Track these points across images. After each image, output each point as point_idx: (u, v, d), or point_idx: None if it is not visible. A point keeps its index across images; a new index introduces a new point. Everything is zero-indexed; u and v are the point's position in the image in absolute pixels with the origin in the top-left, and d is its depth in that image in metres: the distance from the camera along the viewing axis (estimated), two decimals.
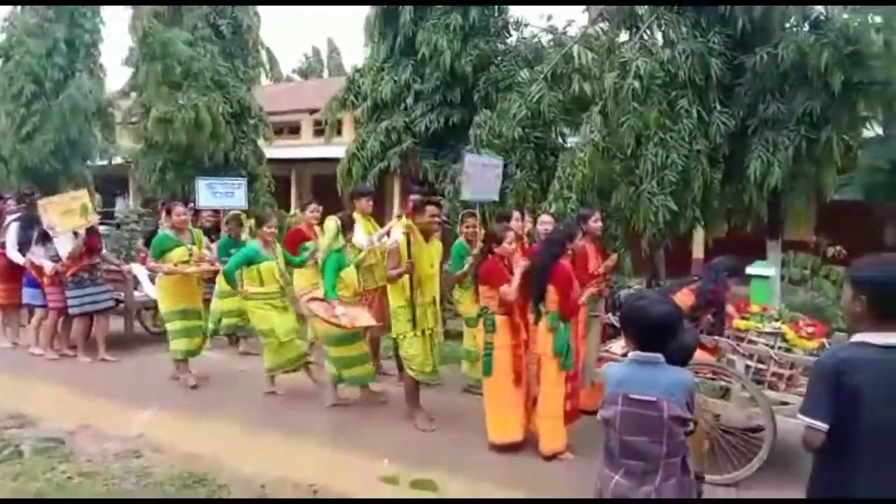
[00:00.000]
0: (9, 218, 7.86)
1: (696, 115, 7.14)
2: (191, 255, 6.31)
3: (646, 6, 7.82)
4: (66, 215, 6.82)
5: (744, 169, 7.22)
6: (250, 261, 5.68)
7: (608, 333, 5.05)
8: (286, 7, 37.42)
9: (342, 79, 13.87)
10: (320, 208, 6.82)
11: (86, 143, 17.36)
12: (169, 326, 6.24)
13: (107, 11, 17.20)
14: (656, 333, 2.27)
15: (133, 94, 15.03)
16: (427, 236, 4.96)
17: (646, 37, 7.78)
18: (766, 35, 7.14)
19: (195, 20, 13.43)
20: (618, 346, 4.79)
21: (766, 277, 6.98)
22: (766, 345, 4.32)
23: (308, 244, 6.51)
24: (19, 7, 17.00)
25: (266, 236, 5.83)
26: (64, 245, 6.84)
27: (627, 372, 2.33)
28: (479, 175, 5.96)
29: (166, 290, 6.29)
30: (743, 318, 4.57)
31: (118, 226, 12.36)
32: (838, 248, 8.73)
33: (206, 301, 7.09)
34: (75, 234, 6.86)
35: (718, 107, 7.20)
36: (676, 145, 7.06)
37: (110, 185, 20.59)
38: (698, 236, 11.26)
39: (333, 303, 5.15)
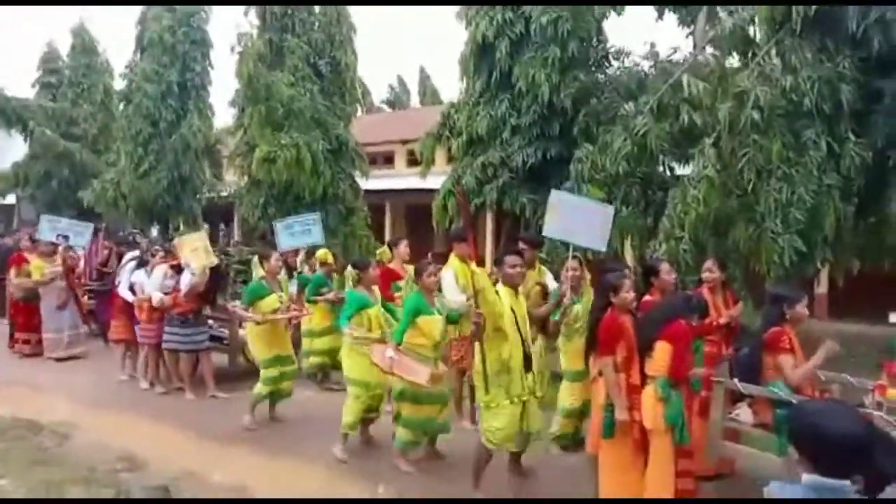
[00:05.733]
0: (128, 255, 8.40)
1: (826, 147, 6.51)
2: (281, 302, 6.36)
3: (762, 32, 7.28)
4: (194, 254, 7.16)
5: (883, 203, 6.49)
6: (362, 307, 5.58)
7: (733, 397, 4.52)
8: (378, 37, 38.75)
9: (436, 108, 13.92)
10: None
11: (195, 179, 18.41)
12: (264, 373, 6.25)
13: (216, 57, 18.22)
14: (838, 458, 1.82)
15: (239, 133, 15.75)
16: (513, 290, 4.44)
17: (763, 63, 7.21)
18: None
19: (296, 61, 13.94)
20: (746, 413, 4.28)
21: None
22: None
23: (399, 283, 6.37)
24: (139, 55, 18.38)
25: (370, 282, 5.72)
26: (185, 282, 7.12)
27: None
28: (570, 215, 5.54)
29: (259, 339, 6.34)
30: None
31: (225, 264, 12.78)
32: None
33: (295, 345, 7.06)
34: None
35: (852, 137, 6.53)
36: (803, 180, 6.45)
37: (216, 217, 21.68)
38: (823, 272, 10.32)
39: (390, 344, 4.84)
